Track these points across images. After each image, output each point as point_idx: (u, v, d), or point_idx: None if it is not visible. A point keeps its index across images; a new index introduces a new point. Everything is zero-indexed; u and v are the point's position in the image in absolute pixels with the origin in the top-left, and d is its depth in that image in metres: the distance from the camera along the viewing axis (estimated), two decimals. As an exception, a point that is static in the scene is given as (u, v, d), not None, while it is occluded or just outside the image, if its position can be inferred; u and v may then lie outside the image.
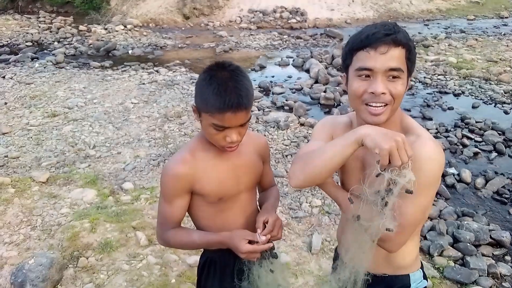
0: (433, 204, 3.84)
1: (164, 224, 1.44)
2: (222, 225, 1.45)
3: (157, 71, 8.19)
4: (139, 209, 3.55)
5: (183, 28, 13.30)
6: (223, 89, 1.23)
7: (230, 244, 1.37)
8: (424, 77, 7.62)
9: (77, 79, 7.53)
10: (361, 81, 1.18)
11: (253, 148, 1.50)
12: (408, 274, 1.40)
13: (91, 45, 10.33)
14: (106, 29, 12.02)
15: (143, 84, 7.27)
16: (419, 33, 11.59)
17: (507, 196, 4.01)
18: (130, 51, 10.06)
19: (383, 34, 1.13)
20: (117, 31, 11.86)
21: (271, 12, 13.84)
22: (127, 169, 4.41)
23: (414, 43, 1.22)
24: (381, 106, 1.17)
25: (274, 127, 5.51)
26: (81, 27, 12.29)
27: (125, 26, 12.31)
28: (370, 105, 1.17)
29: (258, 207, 1.60)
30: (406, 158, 1.02)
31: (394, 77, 1.15)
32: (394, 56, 1.13)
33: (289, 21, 13.43)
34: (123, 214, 3.44)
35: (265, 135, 5.25)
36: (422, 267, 1.45)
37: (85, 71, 8.15)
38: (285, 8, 13.96)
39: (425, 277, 1.45)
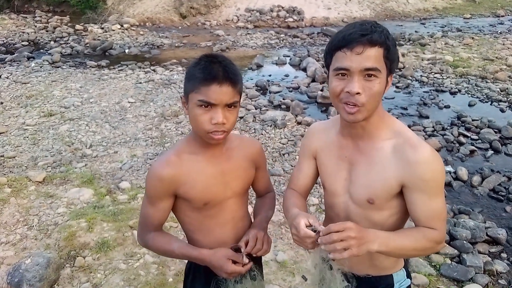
0: (430, 202, 3.84)
1: (145, 225, 1.41)
2: (208, 231, 1.42)
3: (154, 70, 8.18)
4: (136, 208, 3.54)
5: (180, 27, 13.28)
6: (210, 64, 1.24)
7: (212, 263, 1.32)
8: (421, 76, 7.64)
9: (73, 79, 7.51)
10: (338, 81, 1.20)
11: (245, 153, 1.45)
12: (392, 274, 1.42)
13: (88, 45, 10.30)
14: (102, 28, 11.99)
15: (140, 83, 7.26)
16: (416, 31, 11.61)
17: (503, 193, 4.02)
18: (126, 50, 10.04)
19: (359, 34, 1.14)
20: (113, 30, 11.83)
21: (268, 11, 13.83)
22: (124, 168, 4.40)
23: (395, 41, 1.24)
24: (356, 105, 1.19)
25: (271, 125, 5.51)
26: (78, 27, 12.26)
27: (122, 25, 12.29)
28: (347, 104, 1.19)
29: (250, 213, 1.56)
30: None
31: (370, 75, 1.16)
32: (370, 56, 1.15)
33: (286, 20, 13.43)
34: (120, 213, 3.43)
35: (262, 134, 5.25)
36: (405, 266, 1.45)
37: (81, 70, 8.13)
38: (282, 7, 13.96)
39: (408, 276, 1.46)
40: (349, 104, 1.18)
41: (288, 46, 10.74)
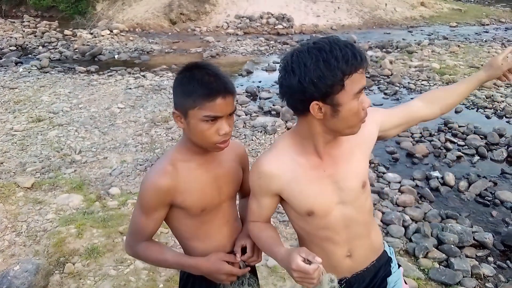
0: (418, 207, 3.91)
1: (137, 235, 1.39)
2: (205, 236, 1.43)
3: (143, 76, 8.16)
4: (126, 214, 3.52)
5: (169, 33, 13.29)
6: (207, 79, 1.25)
7: (209, 268, 1.34)
8: (409, 83, 7.75)
9: (62, 84, 7.46)
10: (358, 98, 1.23)
11: (233, 156, 1.48)
12: (384, 250, 1.54)
13: (77, 50, 10.24)
14: (91, 33, 11.93)
15: (130, 89, 7.23)
16: (403, 39, 11.78)
17: (489, 198, 4.10)
18: (116, 56, 10.00)
19: (362, 56, 1.19)
20: (103, 35, 11.78)
21: (257, 18, 13.92)
22: (113, 174, 4.38)
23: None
24: None
25: (261, 131, 5.54)
26: (66, 32, 12.18)
27: (111, 31, 12.24)
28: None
29: (238, 213, 1.60)
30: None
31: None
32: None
33: (275, 27, 13.53)
34: (110, 219, 3.41)
35: (252, 140, 5.28)
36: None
37: (70, 75, 8.07)
38: (272, 14, 14.06)
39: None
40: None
41: (278, 53, 10.82)
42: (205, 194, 1.37)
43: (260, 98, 7.05)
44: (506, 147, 5.07)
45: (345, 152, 1.35)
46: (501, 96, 6.79)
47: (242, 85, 7.79)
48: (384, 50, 10.35)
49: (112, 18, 13.90)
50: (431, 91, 1.70)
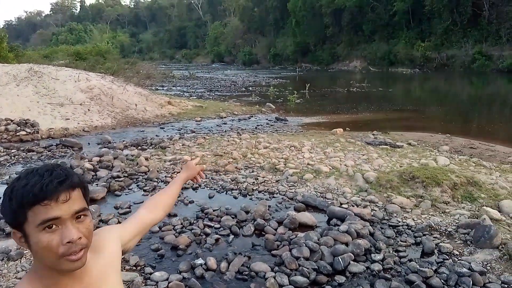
0: (187, 300, 3.94)
1: None
2: None
3: None
4: None
5: None
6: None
7: None
8: (165, 176, 8.14)
9: None
10: (50, 234, 1.14)
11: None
12: None
13: None
14: None
15: None
16: (156, 135, 12.52)
17: (246, 272, 4.52)
18: None
19: (58, 182, 1.15)
20: None
21: (-7, 125, 12.26)
22: None
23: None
24: (80, 250, 1.18)
25: (2, 259, 4.64)
26: None
27: None
28: (71, 255, 1.16)
29: None
30: None
31: (80, 216, 1.20)
32: (75, 199, 1.18)
33: (17, 134, 12.18)
34: None
35: (-11, 273, 4.33)
36: None
37: None
38: (11, 120, 12.67)
39: None
40: (73, 254, 1.15)
41: (21, 162, 9.67)
42: None
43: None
44: (252, 222, 5.82)
45: (99, 278, 1.30)
46: (242, 178, 7.91)
47: (-26, 206, 6.46)
48: (139, 147, 10.69)
49: None
50: (152, 197, 1.91)
